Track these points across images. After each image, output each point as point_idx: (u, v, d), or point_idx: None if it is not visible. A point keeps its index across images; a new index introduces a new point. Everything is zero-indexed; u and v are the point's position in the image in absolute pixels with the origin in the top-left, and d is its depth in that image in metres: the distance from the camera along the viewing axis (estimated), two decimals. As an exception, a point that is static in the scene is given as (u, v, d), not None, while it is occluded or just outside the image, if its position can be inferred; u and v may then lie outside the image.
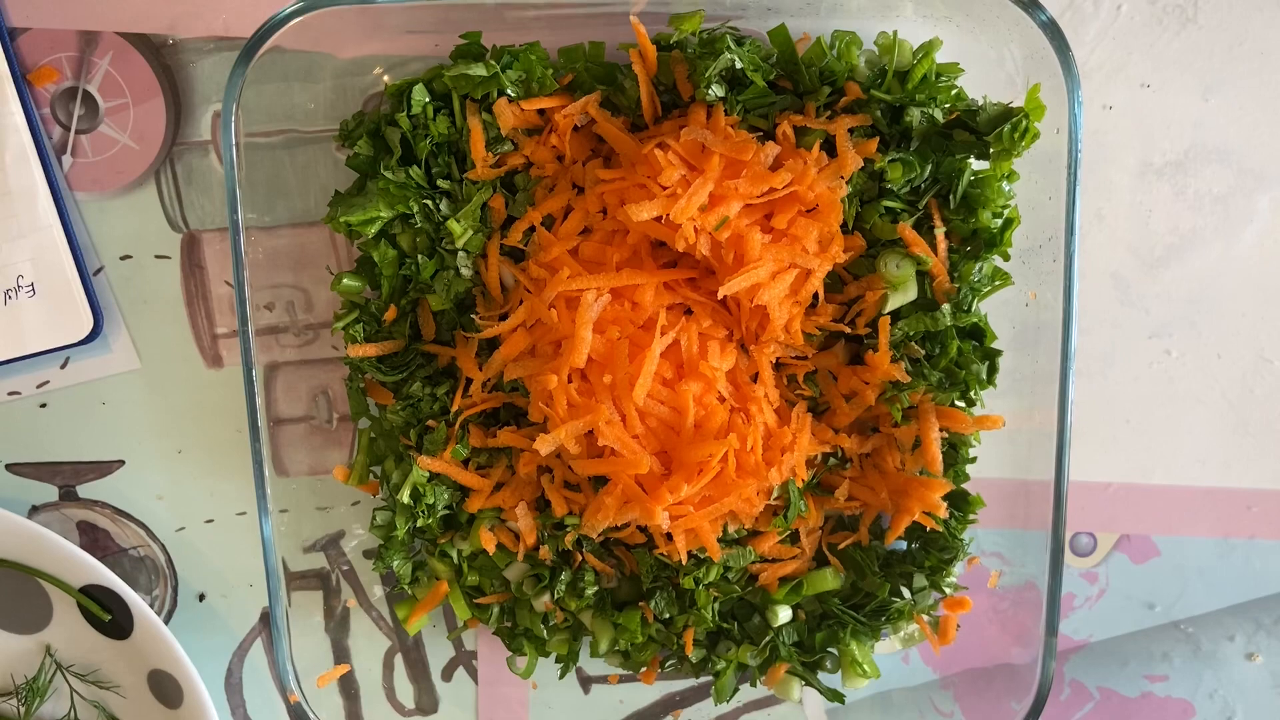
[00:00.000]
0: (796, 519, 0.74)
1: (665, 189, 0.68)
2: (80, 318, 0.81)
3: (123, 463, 0.84)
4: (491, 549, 0.77)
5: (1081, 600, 0.81)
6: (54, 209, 0.80)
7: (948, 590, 0.76)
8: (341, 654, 0.82)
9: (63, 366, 0.83)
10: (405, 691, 0.84)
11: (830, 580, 0.76)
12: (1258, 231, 0.76)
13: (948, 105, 0.70)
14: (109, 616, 0.81)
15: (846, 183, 0.69)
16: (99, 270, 0.81)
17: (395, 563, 0.78)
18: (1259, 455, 0.79)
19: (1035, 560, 0.74)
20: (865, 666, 0.77)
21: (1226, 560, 0.80)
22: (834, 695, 0.78)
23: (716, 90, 0.69)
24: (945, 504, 0.73)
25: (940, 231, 0.70)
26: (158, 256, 0.81)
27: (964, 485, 0.75)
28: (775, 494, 0.73)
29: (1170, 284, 0.77)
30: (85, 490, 0.84)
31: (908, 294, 0.71)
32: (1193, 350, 0.78)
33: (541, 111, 0.72)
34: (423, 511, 0.76)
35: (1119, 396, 0.78)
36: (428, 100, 0.72)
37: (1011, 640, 0.77)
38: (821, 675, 0.78)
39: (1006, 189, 0.69)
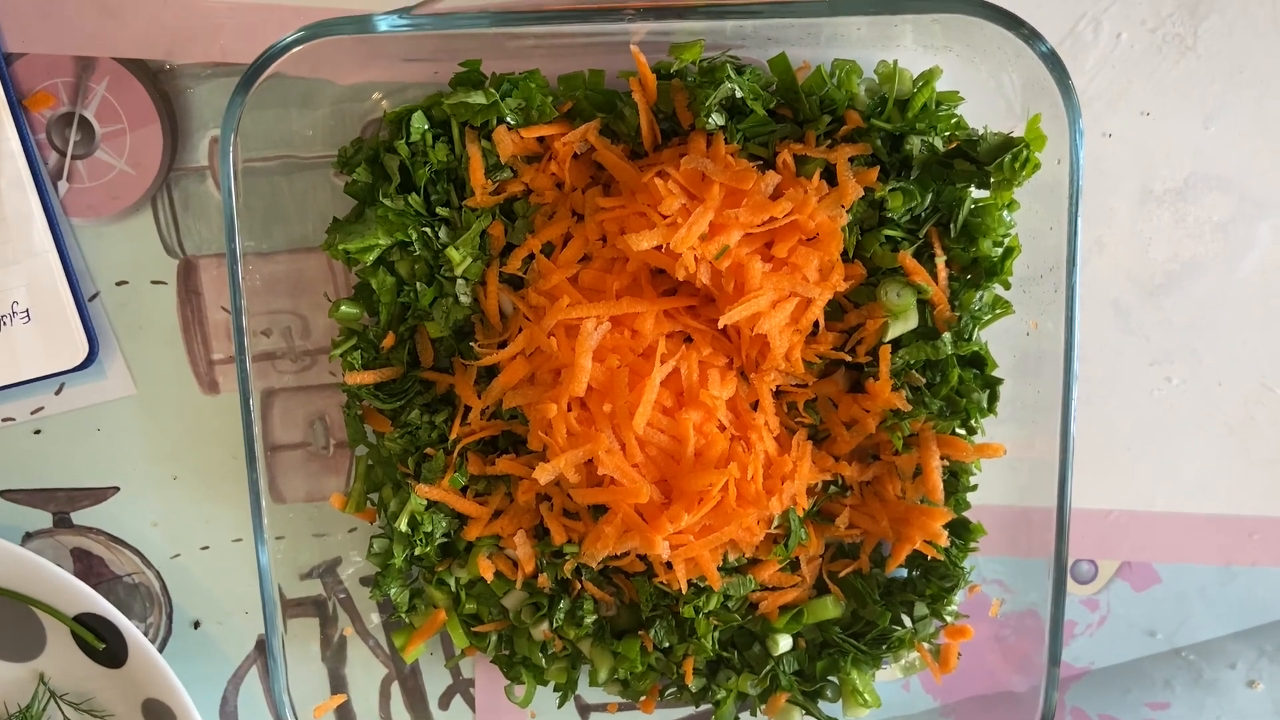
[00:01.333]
0: (797, 547, 0.73)
1: (665, 218, 0.68)
2: (75, 344, 0.80)
3: (117, 489, 0.83)
4: (490, 577, 0.76)
5: (1083, 628, 0.81)
6: (49, 235, 0.79)
7: (949, 619, 0.76)
8: (338, 683, 0.82)
9: (57, 393, 0.82)
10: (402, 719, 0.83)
11: (831, 609, 0.76)
12: (1258, 259, 0.76)
13: (948, 134, 0.70)
14: (103, 645, 0.80)
15: (847, 211, 0.69)
16: (94, 296, 0.81)
17: (392, 591, 0.78)
18: (1260, 482, 0.78)
19: (1037, 588, 0.73)
20: (866, 696, 0.76)
21: (1228, 587, 0.80)
22: (835, 725, 0.77)
23: (716, 119, 0.69)
24: (946, 532, 0.73)
25: (941, 260, 0.70)
26: (154, 282, 0.81)
27: (965, 513, 0.75)
28: (775, 522, 0.73)
29: (1171, 311, 0.77)
30: (79, 517, 0.84)
31: (908, 322, 0.71)
32: (1194, 377, 0.78)
33: (541, 139, 0.72)
34: (420, 540, 0.75)
35: (1120, 424, 0.78)
36: (427, 127, 0.72)
37: (1013, 669, 0.77)
38: (822, 704, 0.78)
39: (1007, 218, 0.69)
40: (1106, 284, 0.77)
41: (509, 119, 0.71)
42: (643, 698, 0.79)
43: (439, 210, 0.72)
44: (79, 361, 0.80)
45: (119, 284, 0.81)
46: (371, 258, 0.73)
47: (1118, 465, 0.78)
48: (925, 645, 0.77)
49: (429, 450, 0.75)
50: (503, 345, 0.72)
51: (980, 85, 0.70)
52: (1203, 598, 0.80)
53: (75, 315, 0.80)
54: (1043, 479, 0.71)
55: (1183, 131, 0.75)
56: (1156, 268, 0.77)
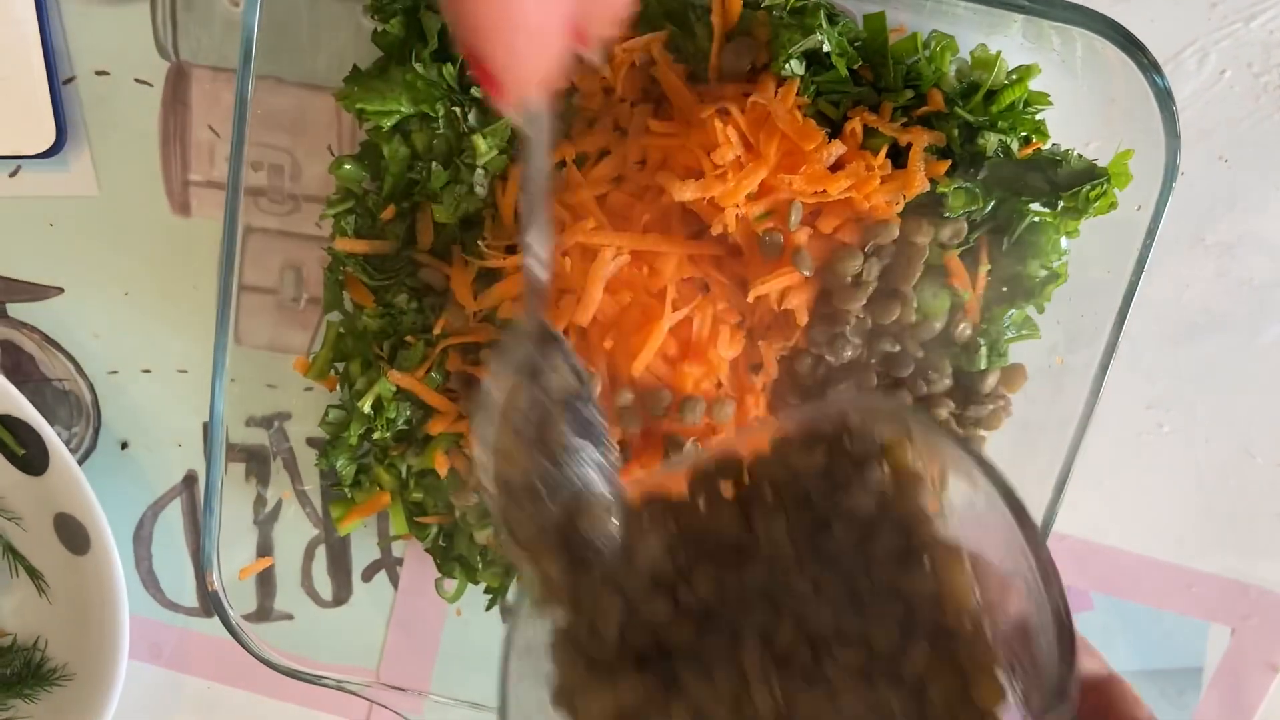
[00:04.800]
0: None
1: (717, 167, 0.62)
2: (42, 128, 0.72)
3: (62, 291, 0.77)
4: (444, 473, 0.73)
5: (1007, 635, 0.82)
6: (33, 3, 0.70)
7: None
8: (265, 540, 0.79)
9: (12, 175, 0.75)
10: (323, 583, 0.81)
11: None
12: (1281, 331, 0.75)
13: (1025, 134, 0.66)
14: (23, 451, 0.76)
15: (905, 200, 0.65)
16: (70, 80, 0.73)
17: (339, 463, 0.75)
18: (1213, 542, 0.79)
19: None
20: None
21: (1153, 628, 0.81)
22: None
23: (795, 66, 0.63)
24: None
25: (984, 270, 0.67)
26: (138, 81, 0.73)
27: (931, 514, 0.74)
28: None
29: (1184, 361, 0.75)
30: (16, 310, 0.78)
31: (936, 324, 0.68)
32: (1184, 429, 0.77)
33: (600, 39, 0.65)
34: (381, 425, 0.72)
35: (1100, 457, 0.77)
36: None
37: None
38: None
39: (1064, 244, 0.66)
40: (1131, 319, 0.74)
41: (571, 10, 0.64)
42: (571, 619, 0.78)
43: (473, 90, 0.66)
44: (44, 148, 0.73)
45: (99, 74, 0.73)
46: (389, 123, 0.66)
47: (1086, 496, 0.78)
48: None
49: (409, 338, 0.70)
50: (511, 250, 0.68)
51: (1073, 95, 0.65)
52: (1126, 632, 0.82)
53: (46, 97, 0.72)
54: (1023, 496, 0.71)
55: (1254, 187, 0.72)
56: (1184, 316, 0.75)
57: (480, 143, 0.65)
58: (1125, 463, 0.78)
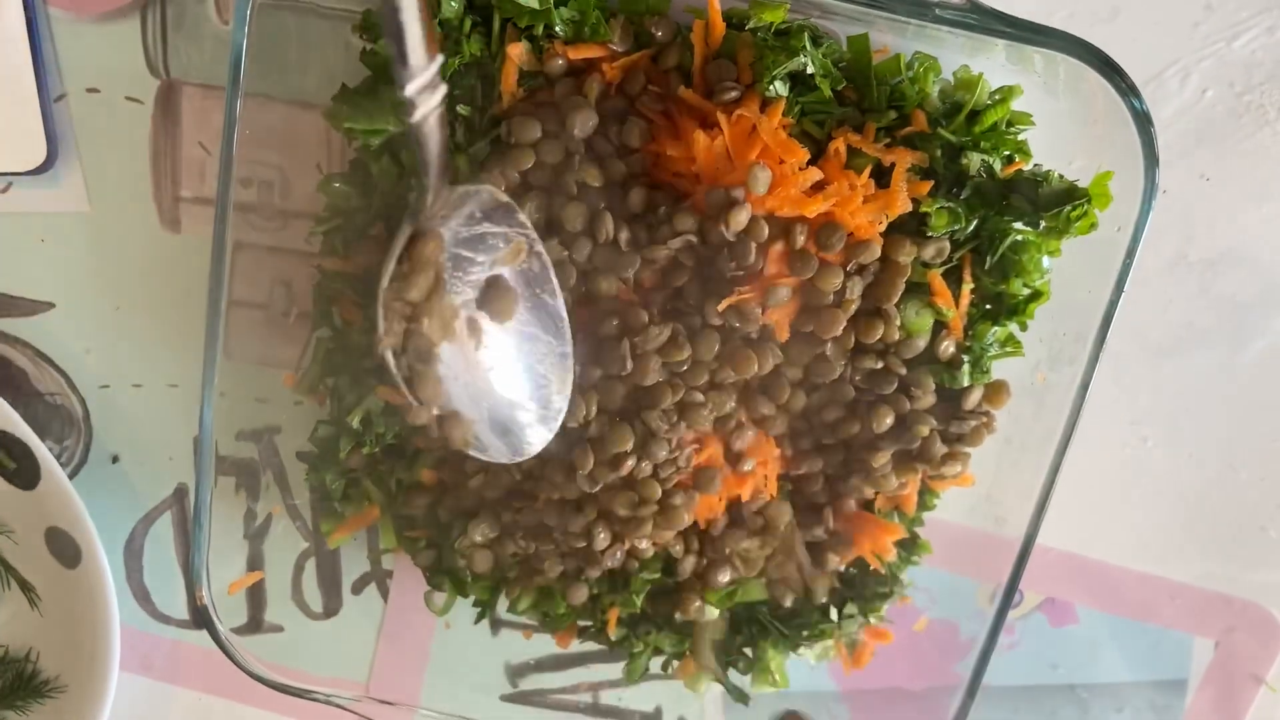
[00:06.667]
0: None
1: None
2: (33, 145, 0.73)
3: (53, 306, 0.78)
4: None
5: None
6: (24, 20, 0.71)
7: (873, 621, 0.77)
8: (255, 553, 0.80)
9: (3, 191, 0.75)
10: (313, 595, 0.82)
11: (763, 591, 0.76)
12: (1263, 348, 0.75)
13: (1008, 153, 0.66)
14: (14, 465, 0.76)
15: (888, 219, 0.65)
16: (61, 97, 0.73)
17: (328, 478, 0.75)
18: (1196, 555, 0.80)
19: (962, 606, 0.75)
20: (777, 676, 0.77)
21: (1138, 641, 0.82)
22: (740, 696, 0.78)
23: (779, 87, 0.64)
24: (895, 549, 0.73)
25: (967, 288, 0.68)
26: (129, 98, 0.73)
27: (916, 528, 0.75)
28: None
29: (1167, 376, 0.76)
30: (7, 325, 0.78)
31: (919, 343, 0.68)
32: (1168, 444, 0.78)
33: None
34: (370, 440, 0.72)
35: (1085, 471, 0.78)
36: (464, 12, 0.65)
37: (915, 670, 0.78)
38: (731, 674, 0.79)
39: (1046, 264, 0.67)
40: (1114, 335, 0.74)
41: (559, 30, 0.65)
42: (560, 632, 0.79)
43: (460, 109, 0.66)
44: (35, 165, 0.73)
45: (90, 91, 0.73)
46: (378, 141, 0.67)
47: (1070, 509, 0.78)
48: (843, 639, 0.78)
49: (398, 354, 0.71)
50: (498, 268, 0.68)
51: (1054, 116, 0.66)
52: (1112, 645, 0.82)
53: (37, 114, 0.72)
54: (1001, 510, 0.71)
55: (1235, 205, 0.73)
56: (1168, 331, 0.75)
57: (464, 162, 0.66)
58: (1110, 477, 0.78)
